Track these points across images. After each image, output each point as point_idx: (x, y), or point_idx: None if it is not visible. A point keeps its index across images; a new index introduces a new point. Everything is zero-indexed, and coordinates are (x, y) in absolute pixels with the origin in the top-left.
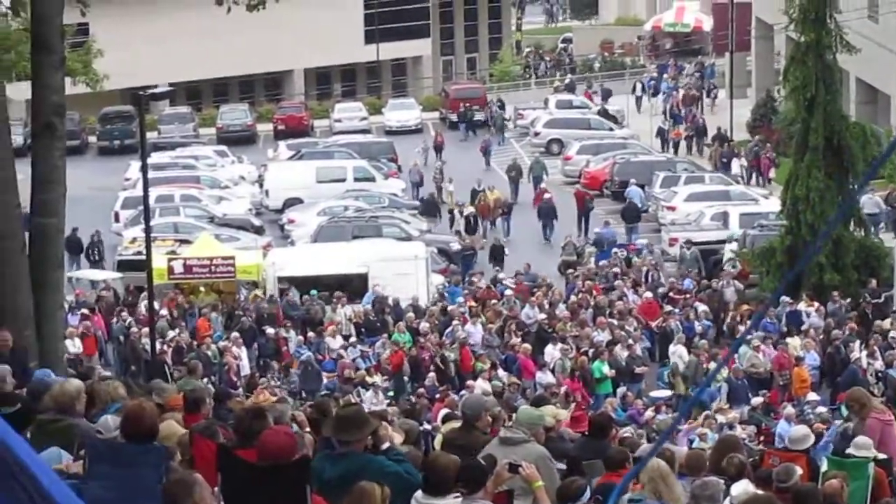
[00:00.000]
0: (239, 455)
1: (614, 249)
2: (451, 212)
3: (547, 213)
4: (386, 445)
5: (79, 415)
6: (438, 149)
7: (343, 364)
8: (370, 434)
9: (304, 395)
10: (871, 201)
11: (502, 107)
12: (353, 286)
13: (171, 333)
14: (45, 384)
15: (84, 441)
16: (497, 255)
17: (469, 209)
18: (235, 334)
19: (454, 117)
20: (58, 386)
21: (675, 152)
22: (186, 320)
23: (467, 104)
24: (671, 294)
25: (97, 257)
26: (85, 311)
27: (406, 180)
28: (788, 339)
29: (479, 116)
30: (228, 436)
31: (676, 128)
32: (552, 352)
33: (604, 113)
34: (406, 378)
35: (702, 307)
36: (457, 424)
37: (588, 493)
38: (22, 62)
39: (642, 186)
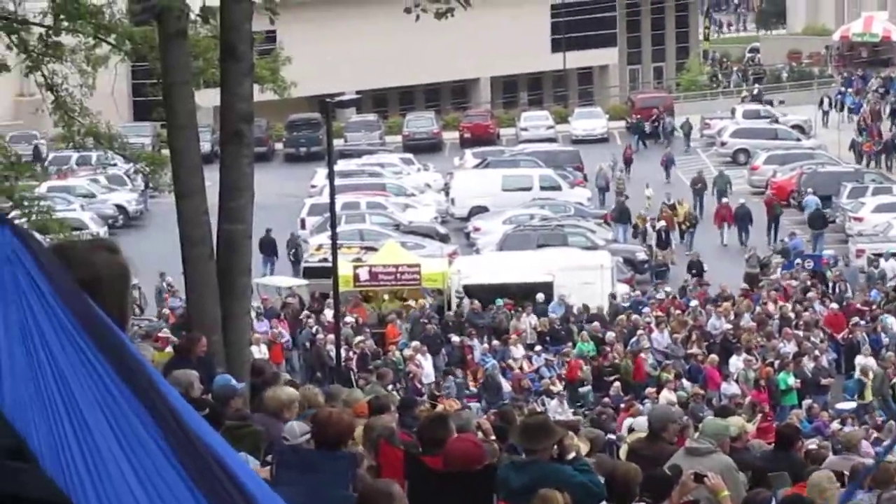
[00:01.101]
0: (426, 462)
1: (797, 260)
2: (635, 226)
3: (742, 218)
4: (572, 455)
5: (285, 422)
6: (628, 162)
7: (517, 375)
8: (556, 443)
9: (486, 402)
10: None
11: (671, 115)
12: (537, 294)
13: (356, 340)
14: (230, 389)
15: (272, 447)
16: (696, 270)
17: (660, 223)
18: (417, 343)
19: (647, 127)
20: (270, 391)
21: (868, 165)
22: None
23: (639, 115)
24: (858, 305)
25: (294, 258)
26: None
27: (591, 188)
28: None
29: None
30: (409, 443)
31: (867, 141)
32: (737, 362)
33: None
34: (587, 387)
35: (890, 319)
36: (642, 435)
37: None
38: (210, 69)
39: (828, 197)
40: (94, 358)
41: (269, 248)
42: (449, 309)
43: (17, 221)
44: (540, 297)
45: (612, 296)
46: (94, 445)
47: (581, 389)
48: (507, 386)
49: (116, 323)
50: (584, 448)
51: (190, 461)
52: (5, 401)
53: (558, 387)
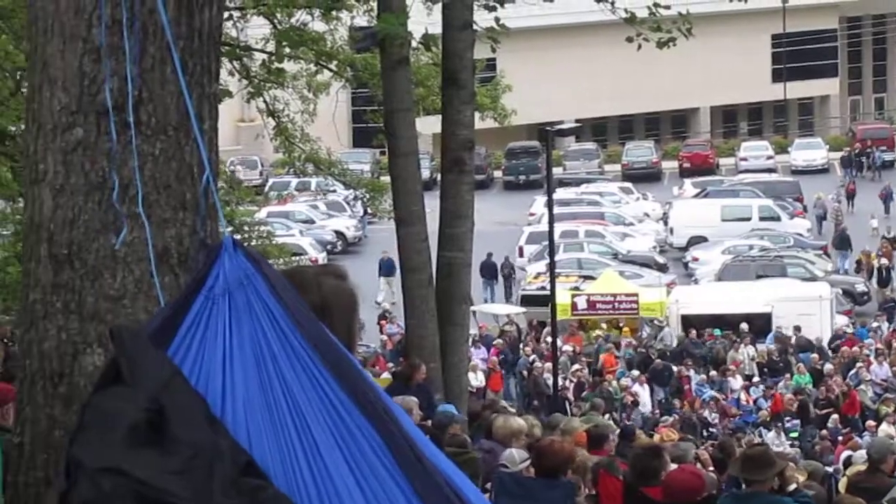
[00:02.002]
0: (646, 493)
1: None
2: (858, 261)
3: None
4: (793, 486)
5: None
6: (850, 196)
7: (724, 406)
8: (776, 475)
9: (705, 433)
10: None
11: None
12: (756, 325)
13: (573, 368)
14: (450, 416)
15: (490, 474)
16: None
17: (883, 260)
18: (636, 371)
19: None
20: (501, 419)
21: None
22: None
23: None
24: None
25: (507, 284)
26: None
27: (811, 218)
28: None
29: (888, 157)
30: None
31: None
32: None
33: None
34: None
35: None
36: (861, 467)
37: None
38: (431, 96)
39: None
40: (325, 382)
41: (490, 271)
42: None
43: None
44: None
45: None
46: (323, 468)
47: (788, 422)
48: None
49: (344, 347)
50: (803, 480)
51: (421, 487)
52: (238, 420)
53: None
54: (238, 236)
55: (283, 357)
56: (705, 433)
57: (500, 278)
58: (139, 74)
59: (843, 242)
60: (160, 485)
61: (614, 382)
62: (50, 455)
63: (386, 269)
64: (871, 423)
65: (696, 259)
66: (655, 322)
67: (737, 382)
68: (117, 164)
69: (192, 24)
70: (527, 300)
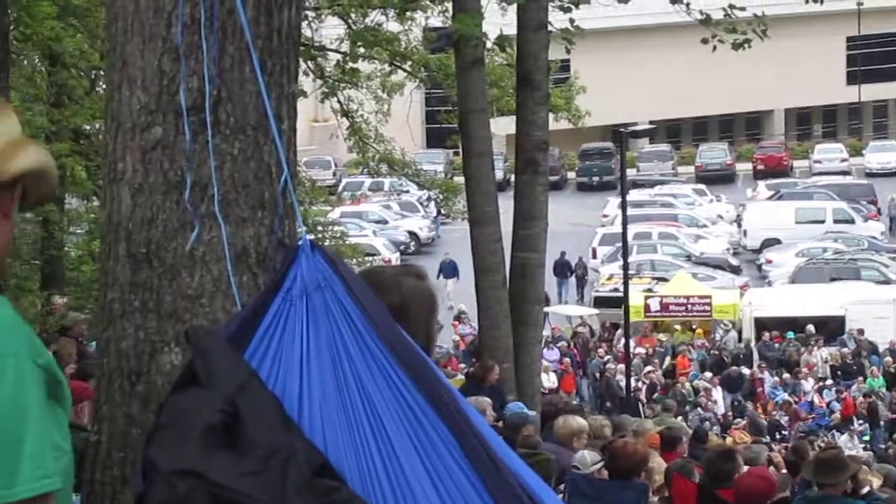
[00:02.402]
0: (719, 495)
1: None
2: None
3: None
4: (866, 489)
5: (573, 450)
6: None
7: (796, 409)
8: (850, 478)
9: (777, 436)
10: None
11: None
12: (829, 328)
13: (645, 370)
14: (523, 417)
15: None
16: None
17: None
18: (709, 374)
19: None
20: (561, 420)
21: None
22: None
23: None
24: None
25: (579, 284)
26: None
27: (885, 221)
28: None
29: None
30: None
31: None
32: None
33: None
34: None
35: None
36: None
37: None
38: (505, 97)
39: None
40: (401, 383)
41: (562, 270)
42: (740, 341)
43: None
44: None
45: None
46: (398, 468)
47: (860, 425)
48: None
49: (422, 348)
50: (877, 483)
51: (495, 487)
52: (314, 422)
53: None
54: (311, 237)
55: (360, 358)
56: (777, 436)
57: (574, 278)
58: (218, 74)
59: None
60: (235, 486)
61: (687, 384)
62: (126, 454)
63: (447, 270)
64: None
65: (769, 261)
66: (722, 325)
67: (809, 385)
68: (195, 164)
69: (271, 24)
70: (600, 302)
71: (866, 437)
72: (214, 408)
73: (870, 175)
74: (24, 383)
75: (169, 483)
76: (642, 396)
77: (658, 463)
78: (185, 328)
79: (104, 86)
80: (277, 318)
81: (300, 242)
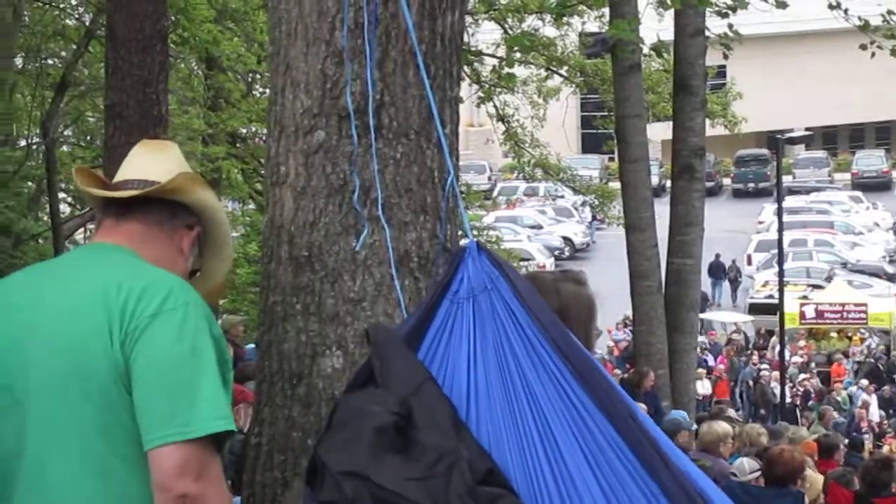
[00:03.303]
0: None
1: None
2: None
3: None
4: None
5: (721, 456)
6: None
7: None
8: None
9: None
10: None
11: None
12: None
13: (800, 378)
14: (676, 424)
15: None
16: None
17: None
18: (865, 381)
19: None
20: (705, 426)
21: None
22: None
23: None
24: None
25: (733, 288)
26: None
27: None
28: None
29: None
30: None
31: None
32: None
33: None
34: None
35: None
36: None
37: None
38: (661, 103)
39: None
40: (569, 387)
41: (717, 271)
42: (895, 349)
43: None
44: None
45: None
46: (566, 471)
47: None
48: None
49: None
50: None
51: (668, 488)
52: (481, 426)
53: None
54: (464, 241)
55: (527, 361)
56: None
57: (727, 281)
58: (381, 78)
59: None
60: (400, 491)
61: (843, 392)
62: (287, 456)
63: None
64: None
65: None
66: (876, 334)
67: None
68: (358, 167)
69: (434, 29)
70: (755, 308)
71: None
72: (388, 409)
73: None
74: (203, 333)
75: (337, 484)
76: (798, 404)
77: (813, 472)
78: (347, 331)
79: (260, 89)
80: (446, 321)
81: (467, 245)
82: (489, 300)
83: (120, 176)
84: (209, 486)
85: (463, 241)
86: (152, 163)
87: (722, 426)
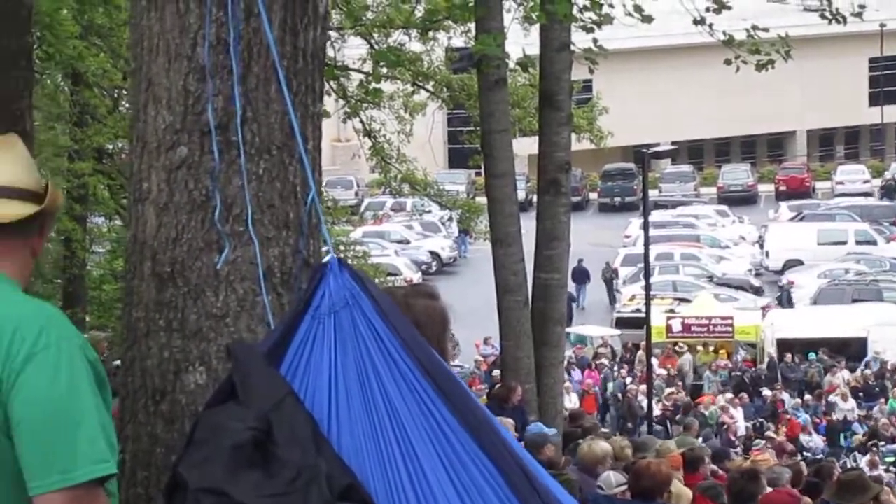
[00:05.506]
0: None
1: None
2: None
3: None
4: None
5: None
6: None
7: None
8: (872, 499)
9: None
10: None
11: None
12: (851, 350)
13: (667, 391)
14: (543, 437)
15: (585, 496)
16: None
17: None
18: (730, 395)
19: None
20: (585, 445)
21: None
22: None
23: None
24: None
25: (608, 285)
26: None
27: None
28: None
29: None
30: None
31: None
32: None
33: None
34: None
35: None
36: None
37: None
38: (527, 118)
39: None
40: (431, 402)
41: (581, 276)
42: (761, 362)
43: None
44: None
45: None
46: (428, 489)
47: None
48: (819, 441)
49: None
50: None
51: None
52: (342, 440)
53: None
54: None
55: (388, 376)
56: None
57: (602, 283)
58: (243, 94)
59: None
60: None
61: (711, 406)
62: (151, 473)
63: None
64: None
65: (791, 283)
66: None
67: (843, 404)
68: (220, 183)
69: (296, 44)
70: (622, 322)
71: (890, 459)
72: (247, 425)
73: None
74: (79, 370)
75: (197, 500)
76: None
77: (680, 484)
78: (210, 347)
79: (127, 105)
80: (307, 336)
81: (328, 261)
82: (350, 316)
83: None
84: None
85: (326, 258)
86: (2, 164)
87: (602, 446)
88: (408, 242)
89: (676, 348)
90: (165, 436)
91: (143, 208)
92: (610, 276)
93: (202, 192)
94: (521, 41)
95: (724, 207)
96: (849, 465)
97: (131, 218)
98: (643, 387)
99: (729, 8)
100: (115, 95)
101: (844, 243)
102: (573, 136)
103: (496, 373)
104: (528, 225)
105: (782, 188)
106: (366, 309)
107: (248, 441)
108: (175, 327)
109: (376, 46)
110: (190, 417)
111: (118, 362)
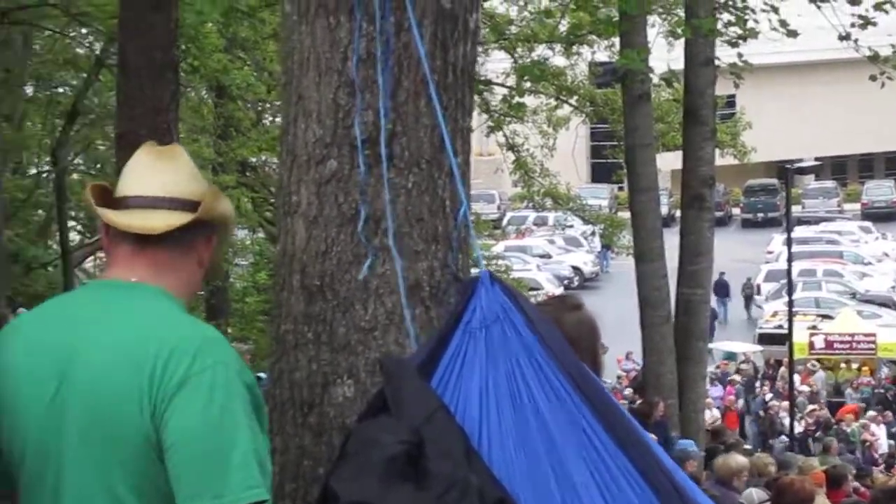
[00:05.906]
0: None
1: None
2: None
3: None
4: None
5: (735, 490)
6: None
7: None
8: None
9: None
10: None
11: None
12: None
13: (809, 408)
14: (685, 453)
15: None
16: None
17: None
18: (873, 413)
19: None
20: (721, 459)
21: None
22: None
23: None
24: None
25: (746, 301)
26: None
27: None
28: None
29: None
30: None
31: None
32: None
33: None
34: None
35: None
36: None
37: None
38: (671, 133)
39: None
40: (581, 416)
41: (722, 290)
42: None
43: None
44: None
45: None
46: (578, 502)
47: None
48: None
49: None
50: None
51: None
52: (493, 454)
53: None
54: (475, 270)
55: (539, 391)
56: None
57: (742, 298)
58: (393, 108)
59: None
60: None
61: (853, 423)
62: (298, 485)
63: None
64: None
65: None
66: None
67: None
68: (369, 197)
69: (446, 59)
70: (764, 338)
71: None
72: (399, 438)
73: None
74: (234, 394)
75: None
76: (807, 434)
77: (823, 501)
78: (358, 360)
79: (270, 118)
80: (458, 351)
81: (480, 275)
82: (502, 330)
83: (125, 189)
84: None
85: (475, 271)
86: (162, 174)
87: (737, 459)
88: (550, 257)
89: (809, 366)
90: (313, 448)
91: (293, 221)
92: (749, 293)
93: (352, 205)
94: (665, 56)
95: (868, 224)
96: None
97: (280, 231)
98: (785, 403)
99: (874, 24)
100: (259, 108)
101: None
102: (716, 151)
103: (628, 392)
104: (670, 240)
105: None
106: (517, 323)
107: (401, 454)
108: (323, 340)
109: (520, 61)
110: (338, 430)
111: (263, 374)
